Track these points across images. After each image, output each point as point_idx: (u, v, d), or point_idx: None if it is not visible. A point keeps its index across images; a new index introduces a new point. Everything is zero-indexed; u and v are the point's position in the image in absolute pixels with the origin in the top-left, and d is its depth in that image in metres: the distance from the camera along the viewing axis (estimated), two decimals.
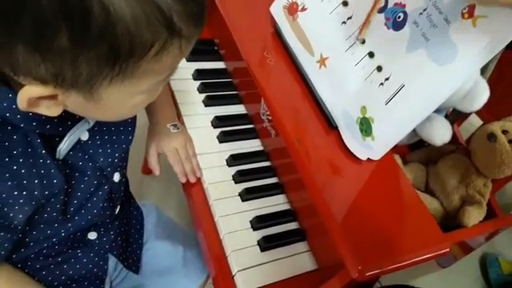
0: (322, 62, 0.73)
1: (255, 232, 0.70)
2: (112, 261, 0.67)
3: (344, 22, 0.70)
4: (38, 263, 0.58)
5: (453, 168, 0.82)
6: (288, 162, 0.71)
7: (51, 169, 0.46)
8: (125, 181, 0.64)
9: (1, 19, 0.33)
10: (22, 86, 0.38)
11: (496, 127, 0.78)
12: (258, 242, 0.69)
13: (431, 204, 0.81)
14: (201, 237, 0.71)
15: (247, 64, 0.76)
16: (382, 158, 0.69)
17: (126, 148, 0.57)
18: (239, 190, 0.74)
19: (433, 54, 0.60)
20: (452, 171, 0.82)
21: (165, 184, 1.27)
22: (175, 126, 0.73)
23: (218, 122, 0.80)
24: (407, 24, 0.63)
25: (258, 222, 0.70)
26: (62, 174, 0.48)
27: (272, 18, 0.81)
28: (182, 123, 0.78)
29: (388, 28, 0.65)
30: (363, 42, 0.68)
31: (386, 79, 0.65)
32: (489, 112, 0.86)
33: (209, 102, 0.83)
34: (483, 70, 0.76)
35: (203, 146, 0.76)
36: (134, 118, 0.58)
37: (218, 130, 0.79)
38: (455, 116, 0.86)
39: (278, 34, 0.80)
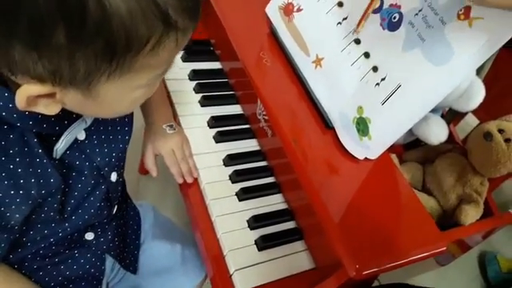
0: (318, 62, 0.73)
1: (252, 231, 0.70)
2: (109, 261, 0.67)
3: (339, 23, 0.70)
4: (35, 264, 0.57)
5: (449, 167, 0.83)
6: (285, 161, 0.71)
7: (48, 168, 0.46)
8: (122, 181, 0.64)
9: None
10: (18, 85, 0.38)
11: (492, 126, 0.78)
12: (256, 241, 0.69)
13: (428, 203, 0.81)
14: (198, 237, 0.71)
15: (243, 64, 0.76)
16: (379, 157, 0.69)
17: (124, 148, 0.57)
18: (236, 190, 0.74)
19: (429, 54, 0.60)
20: (449, 170, 0.82)
21: (162, 184, 1.27)
22: (171, 126, 0.73)
23: (215, 122, 0.80)
24: (403, 25, 0.63)
25: (255, 222, 0.70)
26: (59, 174, 0.48)
27: (268, 18, 0.81)
28: (179, 123, 0.78)
29: (383, 28, 0.65)
30: (359, 42, 0.68)
31: (382, 79, 0.65)
32: (485, 111, 0.86)
33: (205, 103, 0.83)
34: (479, 70, 0.77)
35: (199, 146, 0.76)
36: (131, 118, 0.58)
37: (215, 130, 0.79)
38: (451, 115, 0.86)
39: (273, 34, 0.80)
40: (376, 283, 0.72)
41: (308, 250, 0.70)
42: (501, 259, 1.40)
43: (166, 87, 0.82)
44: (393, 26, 0.64)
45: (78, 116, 0.48)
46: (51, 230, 0.54)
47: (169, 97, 0.81)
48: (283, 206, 0.75)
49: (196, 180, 0.74)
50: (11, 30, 0.33)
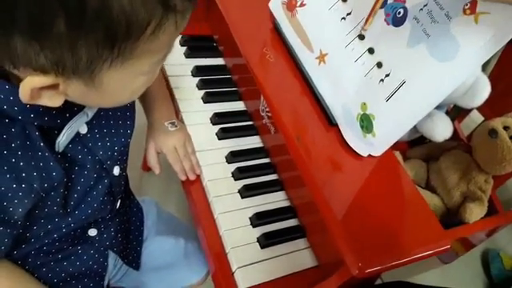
0: (322, 58, 0.72)
1: (255, 229, 0.70)
2: (112, 257, 0.67)
3: (343, 18, 0.69)
4: (39, 260, 0.58)
5: (454, 164, 0.82)
6: (288, 158, 0.70)
7: (50, 161, 0.46)
8: (125, 176, 0.64)
9: None
10: (20, 79, 0.38)
11: (497, 123, 0.78)
12: (258, 238, 0.69)
13: (432, 200, 0.81)
14: (200, 234, 0.71)
15: (246, 60, 0.76)
16: (383, 154, 0.68)
17: (126, 142, 0.57)
18: (239, 187, 0.73)
19: (434, 50, 0.59)
20: (453, 167, 0.82)
21: (165, 181, 1.27)
22: (173, 123, 0.73)
23: (217, 118, 0.80)
24: (407, 20, 0.62)
25: (258, 219, 0.70)
26: (62, 168, 0.48)
27: (271, 13, 0.81)
28: (181, 120, 0.78)
29: (388, 24, 0.64)
30: (363, 37, 0.67)
31: (387, 75, 0.64)
32: (490, 108, 0.86)
33: (208, 99, 0.82)
34: (484, 66, 0.76)
35: (202, 143, 0.76)
36: (133, 112, 0.58)
37: (218, 127, 0.79)
38: (456, 112, 0.85)
39: (277, 30, 0.80)
40: (378, 281, 0.72)
41: (310, 247, 0.70)
42: (504, 257, 1.39)
43: (168, 83, 0.82)
44: (397, 21, 0.63)
45: (80, 109, 0.48)
46: (55, 225, 0.54)
47: (172, 93, 0.81)
48: (286, 204, 0.75)
49: (199, 177, 0.74)
50: (11, 22, 0.33)
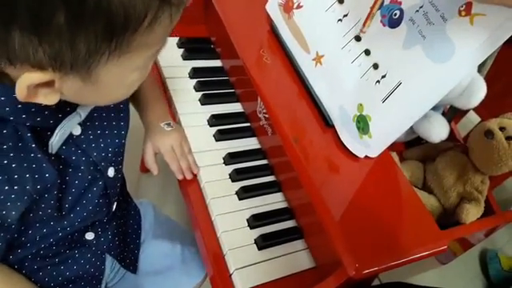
0: (318, 59, 0.73)
1: (252, 230, 0.70)
2: (109, 261, 0.67)
3: (340, 20, 0.70)
4: (36, 264, 0.57)
5: (450, 165, 0.82)
6: (285, 160, 0.70)
7: (43, 163, 0.46)
8: (121, 178, 0.64)
9: None
10: (10, 79, 0.38)
11: (493, 124, 0.78)
12: (255, 240, 0.69)
13: (428, 201, 0.81)
14: (198, 236, 0.70)
15: (243, 62, 0.76)
16: (379, 155, 0.69)
17: (120, 143, 0.57)
18: (236, 189, 0.73)
19: (430, 51, 0.60)
20: (449, 168, 0.82)
21: (162, 183, 1.27)
22: (169, 124, 0.73)
23: (215, 120, 0.80)
24: (403, 21, 0.62)
25: (255, 221, 0.70)
26: (55, 169, 0.48)
27: (268, 15, 0.81)
28: (179, 122, 0.78)
29: (384, 25, 0.64)
30: (359, 39, 0.67)
31: (383, 77, 0.65)
32: (486, 109, 0.86)
33: (205, 101, 0.82)
34: (480, 67, 0.76)
35: (200, 145, 0.76)
36: (127, 114, 0.58)
37: (215, 129, 0.79)
38: (452, 113, 0.86)
39: (273, 31, 0.80)
40: (376, 281, 0.72)
41: (308, 249, 0.70)
42: (502, 257, 1.40)
43: (165, 85, 0.82)
44: (393, 22, 0.63)
45: (72, 109, 0.48)
46: (50, 229, 0.54)
47: (169, 95, 0.81)
48: (283, 205, 0.75)
49: (196, 179, 0.74)
50: (10, 16, 0.33)
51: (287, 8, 0.77)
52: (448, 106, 0.86)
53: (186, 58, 0.88)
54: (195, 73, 0.85)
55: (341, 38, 0.70)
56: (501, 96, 0.88)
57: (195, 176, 0.74)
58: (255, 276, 0.65)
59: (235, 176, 0.74)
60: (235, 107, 0.84)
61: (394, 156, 0.80)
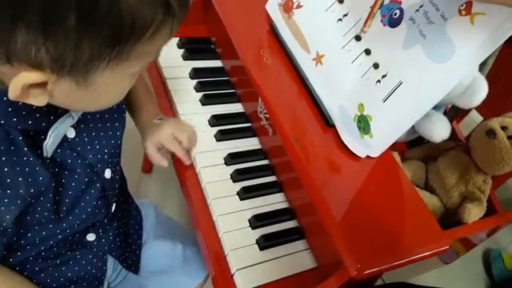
0: (319, 59, 0.72)
1: (254, 231, 0.70)
2: (111, 262, 0.67)
3: (340, 20, 0.69)
4: (37, 265, 0.57)
5: (452, 165, 0.82)
6: (286, 160, 0.70)
7: (36, 166, 0.46)
8: (119, 179, 0.64)
9: (7, 4, 0.32)
10: (1, 82, 0.38)
11: (495, 123, 0.78)
12: (257, 240, 0.69)
13: (430, 201, 0.81)
14: (199, 236, 0.70)
15: (243, 62, 0.76)
16: (381, 155, 0.68)
17: (116, 144, 0.57)
18: (237, 189, 0.73)
19: (430, 51, 0.59)
20: (451, 168, 0.81)
21: (163, 183, 1.27)
22: (161, 119, 0.72)
23: (216, 120, 0.80)
24: (403, 21, 0.62)
25: (257, 221, 0.70)
26: (50, 172, 0.48)
27: (268, 15, 0.81)
28: None
29: (384, 25, 0.64)
30: (359, 39, 0.67)
31: (383, 76, 0.65)
32: (488, 108, 0.86)
33: (206, 101, 0.82)
34: (482, 66, 0.76)
35: (201, 145, 0.76)
36: (122, 114, 0.57)
37: (216, 129, 0.79)
38: (454, 112, 0.85)
39: (273, 31, 0.80)
40: (380, 282, 0.72)
41: (309, 249, 0.70)
42: (506, 256, 1.39)
43: (166, 86, 0.82)
44: (393, 22, 0.63)
45: (64, 111, 0.47)
46: (49, 232, 0.54)
47: (169, 95, 0.81)
48: (284, 205, 0.74)
49: (197, 179, 0.74)
50: (19, 13, 0.33)
51: (287, 8, 0.77)
52: (449, 106, 0.85)
53: (186, 58, 0.88)
54: (196, 73, 0.85)
55: (341, 38, 0.69)
56: (503, 95, 0.88)
57: (196, 176, 0.74)
58: (257, 276, 0.65)
59: (236, 176, 0.74)
60: (236, 107, 0.84)
61: (396, 156, 0.80)
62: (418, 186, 0.84)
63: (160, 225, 0.78)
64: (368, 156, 0.69)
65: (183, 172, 0.74)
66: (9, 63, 0.36)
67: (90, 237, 0.62)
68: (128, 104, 0.71)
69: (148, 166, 1.27)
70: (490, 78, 0.73)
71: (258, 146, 0.81)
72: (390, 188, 0.69)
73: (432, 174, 0.84)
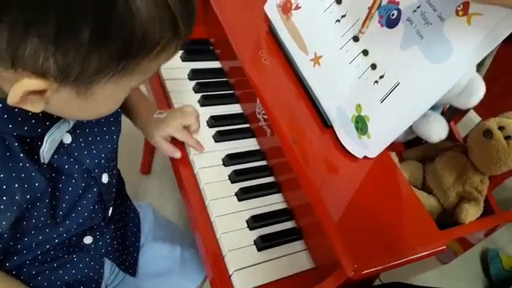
0: (317, 60, 0.73)
1: (252, 231, 0.70)
2: (108, 264, 0.67)
3: (338, 21, 0.70)
4: (34, 269, 0.57)
5: (450, 165, 0.82)
6: (284, 161, 0.70)
7: (32, 172, 0.46)
8: (116, 182, 0.64)
9: (23, 11, 0.32)
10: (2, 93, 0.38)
11: (492, 123, 0.78)
12: (255, 241, 0.69)
13: (428, 201, 0.81)
14: (197, 237, 0.70)
15: (241, 63, 0.76)
16: (378, 155, 0.69)
17: (112, 148, 0.57)
18: (235, 190, 0.73)
19: (427, 51, 0.60)
20: (449, 168, 0.82)
21: (162, 184, 1.27)
22: (161, 112, 0.72)
23: (214, 121, 0.80)
24: (401, 21, 0.62)
25: (255, 222, 0.70)
26: (47, 178, 0.48)
27: (266, 16, 0.81)
28: None
29: (382, 25, 0.64)
30: (357, 39, 0.67)
31: (381, 77, 0.65)
32: (486, 108, 0.86)
33: (204, 102, 0.82)
34: (479, 67, 0.76)
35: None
36: (118, 117, 0.57)
37: (214, 130, 0.79)
38: (451, 113, 0.85)
39: (272, 32, 0.80)
40: (377, 282, 0.72)
41: (307, 249, 0.70)
42: (503, 256, 1.40)
43: (165, 87, 0.82)
44: (391, 22, 0.63)
45: (59, 117, 0.47)
46: (46, 236, 0.54)
47: (168, 97, 0.81)
48: (282, 206, 0.74)
49: (195, 180, 0.74)
50: (36, 21, 0.32)
51: (285, 9, 0.77)
52: (447, 106, 0.86)
53: (185, 59, 0.88)
54: (194, 74, 0.85)
55: (339, 39, 0.70)
56: (500, 95, 0.88)
57: (194, 177, 0.74)
58: (255, 277, 0.65)
59: (234, 177, 0.74)
60: (234, 108, 0.84)
61: (394, 156, 0.80)
62: (415, 187, 0.84)
63: (158, 227, 0.78)
64: (366, 156, 0.69)
65: (181, 173, 0.74)
66: (13, 68, 0.35)
67: (87, 240, 0.62)
68: (124, 108, 0.71)
69: (146, 168, 1.27)
70: (487, 79, 0.74)
71: (257, 147, 0.81)
72: (388, 188, 0.69)
73: (429, 175, 0.85)
